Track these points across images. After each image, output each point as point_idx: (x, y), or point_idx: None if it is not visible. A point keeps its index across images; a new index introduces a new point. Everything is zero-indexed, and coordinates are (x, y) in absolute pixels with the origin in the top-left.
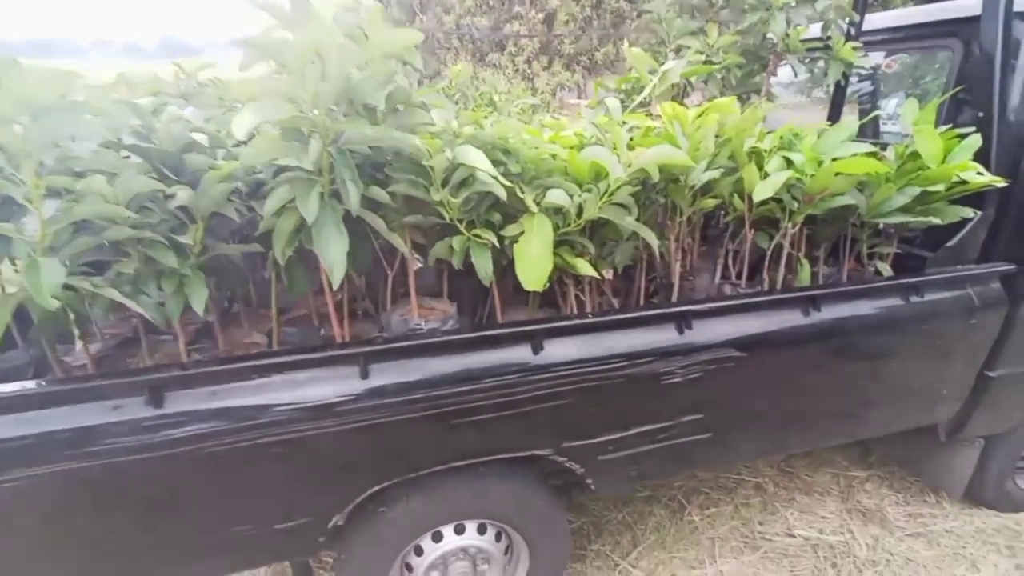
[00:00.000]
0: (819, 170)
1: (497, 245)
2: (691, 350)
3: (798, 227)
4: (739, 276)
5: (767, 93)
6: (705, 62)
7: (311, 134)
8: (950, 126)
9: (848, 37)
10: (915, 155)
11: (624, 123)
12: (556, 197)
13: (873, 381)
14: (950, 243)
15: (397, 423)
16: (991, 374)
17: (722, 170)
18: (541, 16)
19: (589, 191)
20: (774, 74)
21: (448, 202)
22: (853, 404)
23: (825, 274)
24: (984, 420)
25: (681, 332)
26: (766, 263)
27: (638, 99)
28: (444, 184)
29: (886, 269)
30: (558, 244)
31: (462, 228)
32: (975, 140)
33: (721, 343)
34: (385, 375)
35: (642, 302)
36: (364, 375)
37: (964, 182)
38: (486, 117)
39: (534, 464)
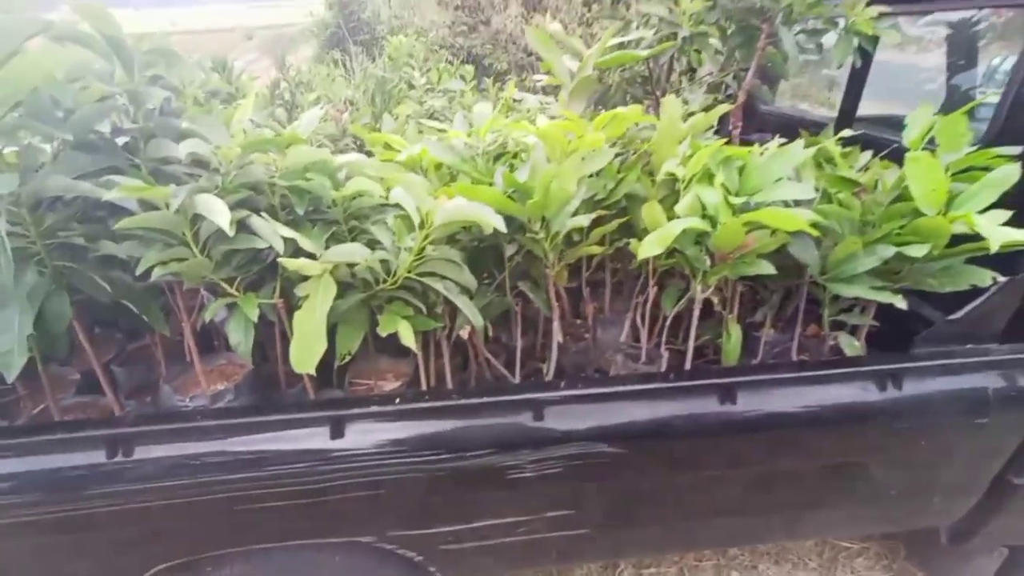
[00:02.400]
0: (728, 221)
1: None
2: (545, 443)
3: (710, 290)
4: (658, 334)
5: (751, 81)
6: (669, 36)
7: None
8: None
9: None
10: (906, 195)
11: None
12: (341, 253)
13: (823, 481)
14: (956, 315)
15: (166, 507)
16: (1018, 481)
17: (594, 216)
18: None
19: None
20: (763, 51)
21: (200, 260)
22: (791, 505)
23: (770, 342)
24: (1005, 530)
25: (539, 419)
26: (690, 324)
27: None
28: (196, 238)
29: (852, 346)
30: (388, 300)
31: (231, 289)
32: (1009, 173)
33: (586, 437)
34: (150, 453)
35: (517, 371)
36: (112, 454)
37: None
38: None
39: (364, 548)
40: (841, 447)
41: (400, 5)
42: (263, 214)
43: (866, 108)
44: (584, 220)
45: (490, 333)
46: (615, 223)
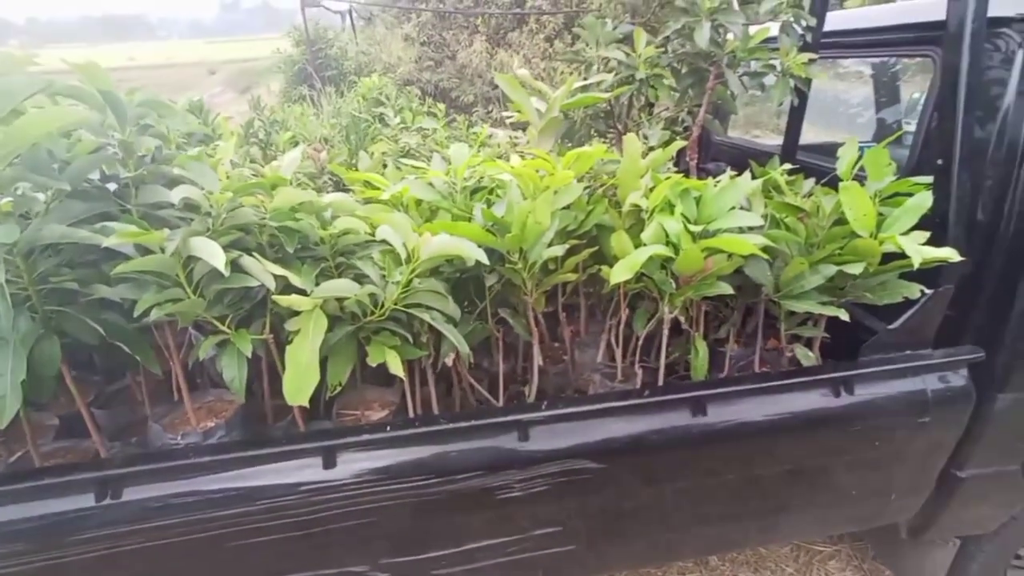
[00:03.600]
0: (688, 247)
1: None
2: (530, 462)
3: (677, 310)
4: (632, 353)
5: (703, 117)
6: (626, 79)
7: None
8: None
9: (805, 46)
10: (843, 219)
11: (452, 182)
12: (332, 289)
13: (790, 486)
14: (894, 324)
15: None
16: (960, 474)
17: (568, 246)
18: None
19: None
20: (712, 90)
21: (194, 301)
22: (763, 510)
23: (734, 356)
24: (955, 521)
25: (524, 439)
26: (660, 343)
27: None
28: (189, 279)
29: (807, 356)
30: (375, 331)
31: (223, 327)
32: (924, 199)
33: (569, 454)
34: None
35: (500, 394)
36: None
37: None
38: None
39: None
40: (803, 451)
41: (366, 41)
42: (253, 254)
43: (812, 136)
44: (559, 250)
45: (471, 360)
46: (586, 252)
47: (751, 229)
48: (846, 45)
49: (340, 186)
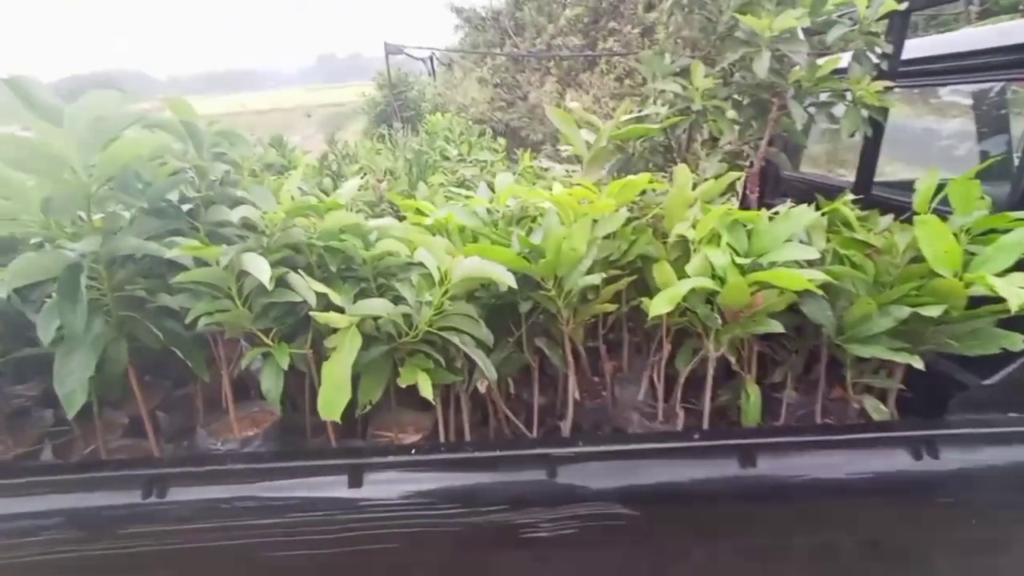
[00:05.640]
0: (734, 280)
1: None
2: (558, 501)
3: (723, 348)
4: (675, 393)
5: (764, 150)
6: (682, 111)
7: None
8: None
9: (880, 74)
10: (922, 257)
11: (495, 209)
12: (367, 307)
13: (856, 560)
14: (991, 379)
15: (191, 550)
16: None
17: (605, 275)
18: (638, 31)
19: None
20: (775, 122)
21: (241, 312)
22: None
23: (794, 403)
24: None
25: (551, 476)
26: (708, 383)
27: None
28: (239, 292)
29: (878, 410)
30: (411, 352)
31: (267, 340)
32: (1022, 236)
33: (598, 496)
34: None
35: (535, 427)
36: (147, 494)
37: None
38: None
39: None
40: (873, 521)
41: (444, 84)
42: (300, 271)
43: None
44: (595, 279)
45: (512, 391)
46: (624, 280)
47: (810, 264)
48: (940, 72)
49: (398, 215)
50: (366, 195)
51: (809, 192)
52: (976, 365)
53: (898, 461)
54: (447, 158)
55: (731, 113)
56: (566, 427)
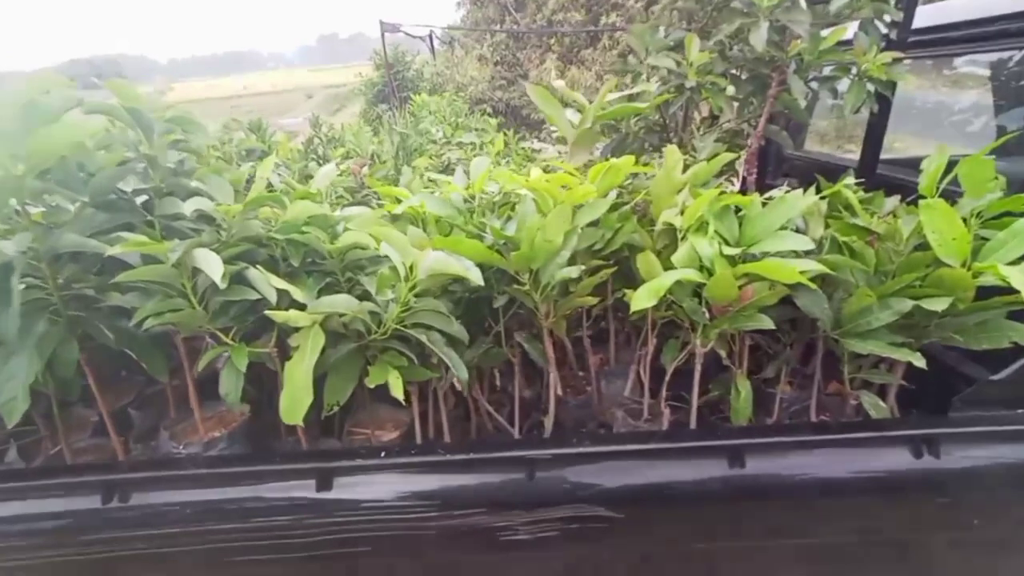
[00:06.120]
0: (720, 272)
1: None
2: (537, 503)
3: (710, 343)
4: (663, 389)
5: (763, 128)
6: (676, 88)
7: None
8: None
9: (889, 44)
10: (926, 245)
11: (472, 196)
12: (330, 304)
13: (850, 564)
14: (1000, 375)
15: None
16: None
17: (585, 267)
18: (642, 4)
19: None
20: (774, 98)
21: (196, 311)
22: None
23: (787, 399)
24: None
25: (530, 478)
26: (695, 380)
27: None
28: (194, 290)
29: (876, 406)
30: (382, 350)
31: (227, 339)
32: None
33: (580, 498)
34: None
35: (516, 423)
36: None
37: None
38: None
39: None
40: (870, 523)
41: (444, 63)
42: (258, 266)
43: (910, 150)
44: (574, 271)
45: (498, 384)
46: (605, 272)
47: (809, 253)
48: (955, 41)
49: (381, 202)
50: (348, 180)
51: (813, 172)
52: (985, 358)
53: (897, 460)
54: (433, 141)
55: (729, 89)
56: (548, 425)
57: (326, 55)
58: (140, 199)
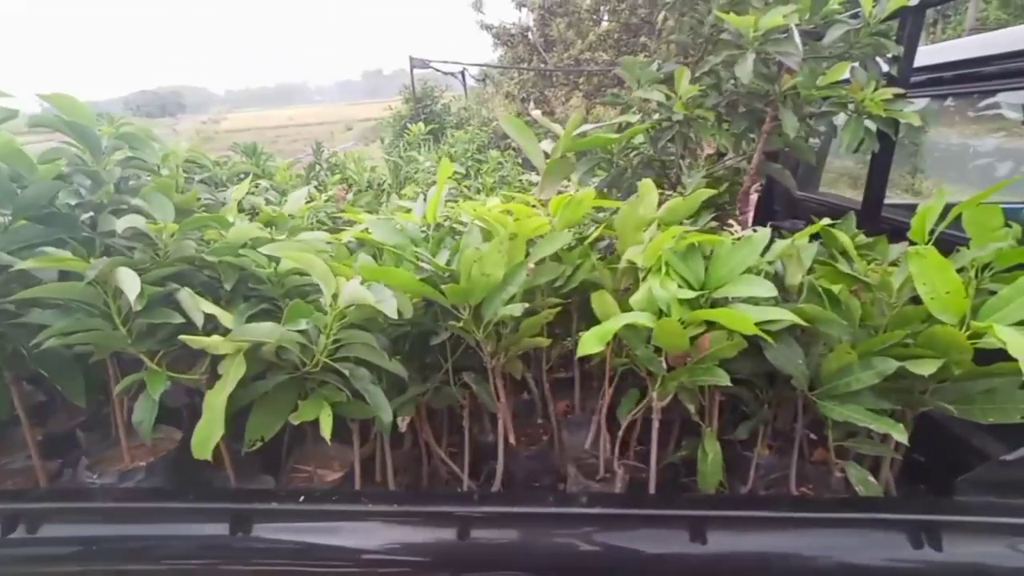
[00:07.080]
0: (666, 319)
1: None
2: (464, 567)
3: (668, 398)
4: (624, 445)
5: (757, 164)
6: (663, 121)
7: None
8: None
9: (890, 81)
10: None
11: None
12: (252, 331)
13: None
14: (1014, 455)
15: None
16: None
17: (526, 305)
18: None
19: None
20: (767, 136)
21: (117, 332)
22: None
23: (765, 465)
24: None
25: (462, 538)
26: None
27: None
28: (119, 310)
29: (864, 482)
30: (320, 383)
31: (151, 363)
32: None
33: (515, 564)
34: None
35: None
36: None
37: None
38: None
39: None
40: None
41: (474, 99)
42: (187, 289)
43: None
44: (517, 309)
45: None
46: (548, 313)
47: (781, 301)
48: (976, 78)
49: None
50: (328, 206)
51: (828, 215)
52: (1000, 428)
53: (887, 548)
54: (421, 170)
55: (716, 123)
56: (497, 477)
57: (368, 90)
58: (88, 215)
